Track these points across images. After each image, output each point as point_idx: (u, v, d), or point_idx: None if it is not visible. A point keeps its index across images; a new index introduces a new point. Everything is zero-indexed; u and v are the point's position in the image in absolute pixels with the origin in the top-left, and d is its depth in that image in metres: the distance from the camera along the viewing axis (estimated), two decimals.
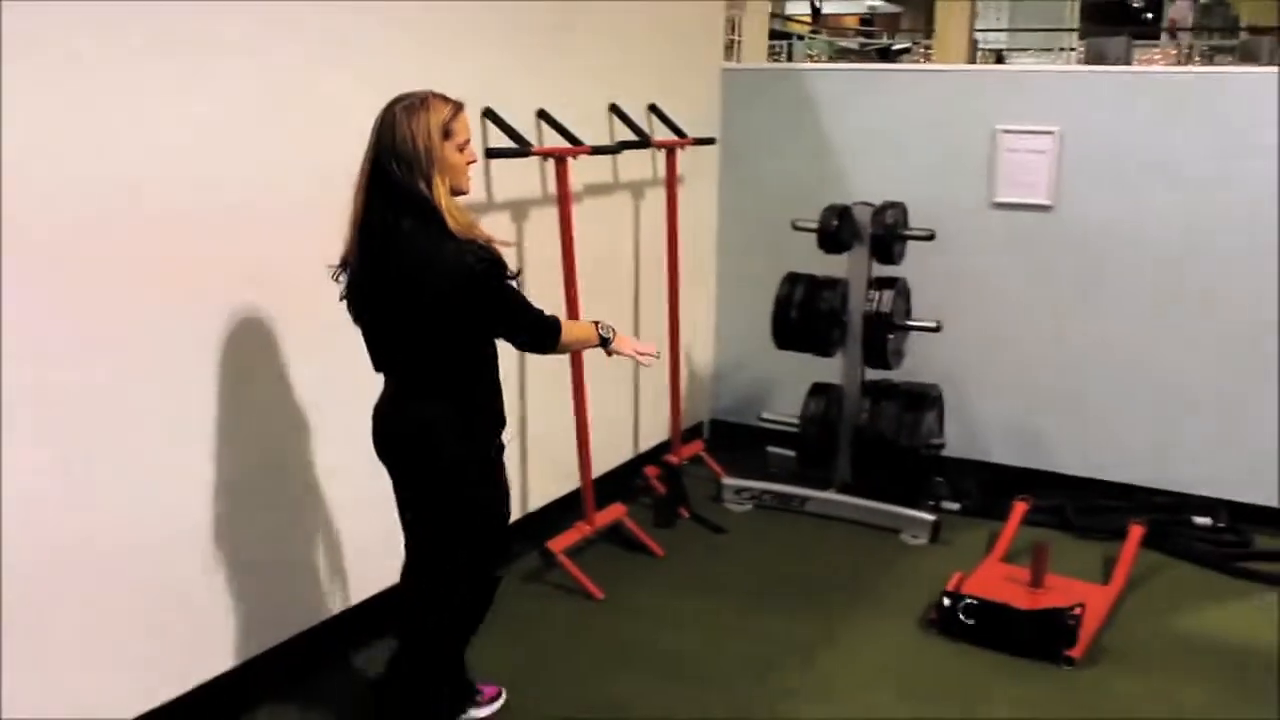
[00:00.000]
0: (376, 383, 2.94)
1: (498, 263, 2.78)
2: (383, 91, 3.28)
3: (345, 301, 2.87)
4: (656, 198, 5.05)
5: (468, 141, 2.80)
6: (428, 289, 2.72)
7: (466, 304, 2.74)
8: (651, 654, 3.77)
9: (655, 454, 5.31)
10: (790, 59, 6.62)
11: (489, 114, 3.99)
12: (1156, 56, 9.60)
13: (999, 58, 6.03)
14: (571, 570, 4.18)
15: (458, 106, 2.79)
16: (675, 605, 4.10)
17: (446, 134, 2.74)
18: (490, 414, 2.98)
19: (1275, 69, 4.61)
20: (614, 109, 4.72)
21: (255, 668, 3.36)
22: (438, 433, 2.86)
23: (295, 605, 3.54)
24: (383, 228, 2.72)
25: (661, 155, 4.98)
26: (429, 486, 2.93)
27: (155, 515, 3.01)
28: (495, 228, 4.07)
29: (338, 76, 3.41)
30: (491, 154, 3.91)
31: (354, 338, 2.90)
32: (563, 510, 4.61)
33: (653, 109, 4.98)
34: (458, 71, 3.84)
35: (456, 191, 2.78)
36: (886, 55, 5.69)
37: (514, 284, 2.85)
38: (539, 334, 2.93)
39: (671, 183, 4.93)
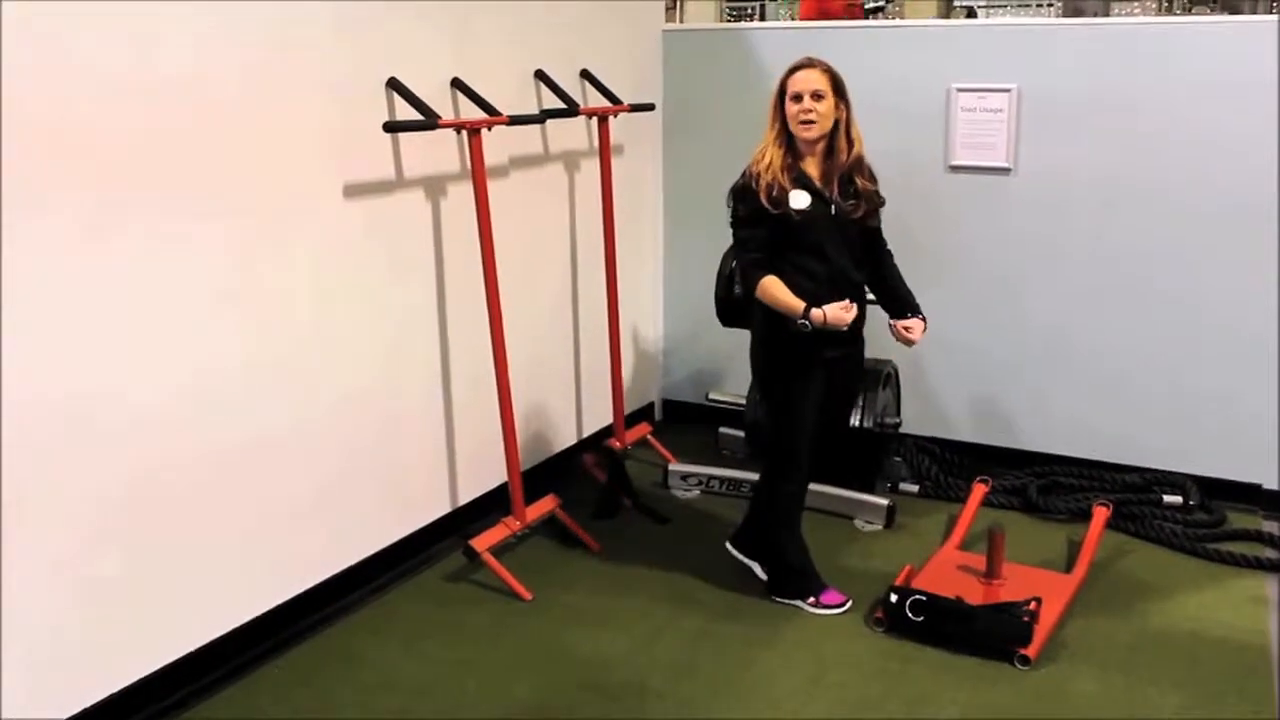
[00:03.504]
0: None
1: (742, 187, 3.52)
2: (280, 59, 3.23)
3: None
4: (592, 169, 4.77)
5: (797, 95, 3.44)
6: None
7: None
8: (574, 659, 3.52)
9: (602, 438, 5.06)
10: (764, 19, 6.36)
11: (393, 84, 3.70)
12: (1136, 9, 9.32)
13: (970, 13, 5.80)
14: (497, 570, 3.93)
15: (796, 66, 3.48)
16: (606, 604, 3.85)
17: (782, 90, 3.48)
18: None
19: (1243, 18, 4.31)
20: (540, 75, 4.42)
21: None
22: (761, 336, 3.70)
23: None
24: None
25: (595, 124, 4.70)
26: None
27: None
28: (407, 206, 3.85)
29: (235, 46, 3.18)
30: (390, 128, 3.62)
31: None
32: (495, 504, 4.36)
33: (585, 75, 4.68)
34: (363, 38, 3.61)
35: (798, 136, 3.48)
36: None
37: (760, 213, 3.47)
38: (741, 269, 3.63)
39: (605, 152, 4.65)
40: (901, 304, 3.77)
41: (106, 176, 2.86)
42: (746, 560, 3.99)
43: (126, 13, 2.86)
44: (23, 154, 2.66)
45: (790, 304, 3.47)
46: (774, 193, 3.45)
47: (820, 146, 3.52)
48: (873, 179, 3.65)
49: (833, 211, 3.52)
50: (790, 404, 3.68)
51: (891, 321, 3.75)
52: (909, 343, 3.74)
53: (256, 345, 3.35)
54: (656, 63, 5.28)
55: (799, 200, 3.47)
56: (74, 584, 2.93)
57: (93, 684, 3.03)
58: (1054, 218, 4.69)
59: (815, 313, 3.44)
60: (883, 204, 3.70)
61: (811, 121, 3.44)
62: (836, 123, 3.50)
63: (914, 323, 3.71)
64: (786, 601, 3.82)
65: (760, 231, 3.51)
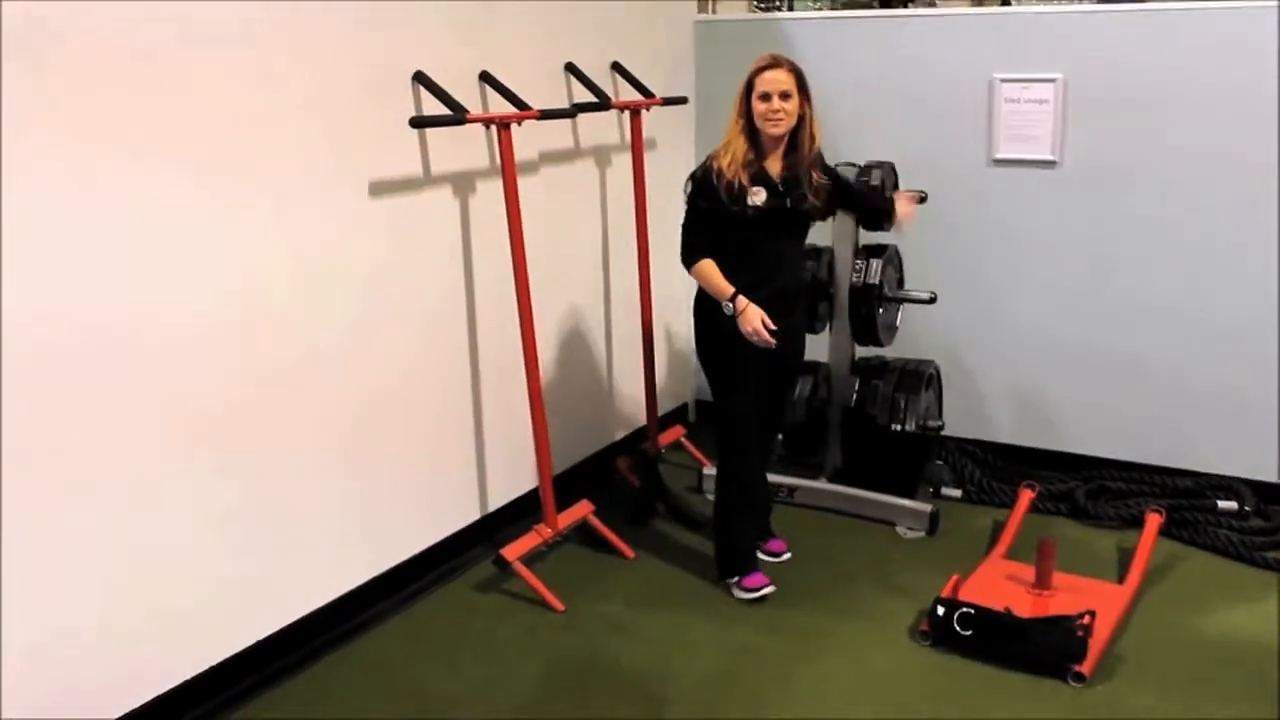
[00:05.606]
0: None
1: (702, 179, 3.61)
2: (304, 54, 3.15)
3: None
4: (624, 164, 4.64)
5: (765, 94, 3.50)
6: None
7: None
8: (613, 673, 3.40)
9: (634, 441, 4.93)
10: (791, 9, 6.22)
11: (420, 78, 3.58)
12: None
13: (1005, 0, 5.61)
14: (529, 580, 3.81)
15: (764, 65, 3.54)
16: (642, 616, 3.72)
17: (750, 86, 3.53)
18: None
19: None
20: (570, 68, 4.29)
21: None
22: (697, 309, 3.79)
23: None
24: None
25: (627, 118, 4.57)
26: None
27: None
28: (435, 204, 3.74)
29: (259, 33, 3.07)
30: (416, 123, 3.49)
31: None
32: (526, 509, 4.24)
33: (616, 67, 4.55)
34: (388, 32, 3.49)
35: (764, 132, 3.55)
36: (889, 3, 5.24)
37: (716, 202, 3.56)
38: (682, 251, 3.68)
39: (638, 146, 4.52)
40: (881, 199, 4.17)
41: (111, 167, 2.76)
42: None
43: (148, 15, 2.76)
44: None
45: (720, 287, 3.59)
46: (734, 190, 3.55)
47: (784, 142, 3.62)
48: (826, 172, 3.77)
49: (787, 205, 3.62)
50: (731, 386, 3.77)
51: (898, 216, 4.09)
52: (908, 216, 4.12)
53: (273, 349, 3.24)
54: (689, 55, 5.14)
55: (757, 197, 3.58)
56: (84, 605, 2.83)
57: (117, 698, 2.93)
58: (1102, 211, 4.52)
59: (740, 300, 3.55)
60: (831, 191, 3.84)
61: (780, 120, 3.53)
62: (800, 118, 3.59)
63: (898, 202, 4.11)
64: (727, 583, 3.88)
65: (712, 220, 3.61)
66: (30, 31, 2.53)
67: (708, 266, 3.61)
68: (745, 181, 3.55)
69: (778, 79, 3.51)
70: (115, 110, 2.73)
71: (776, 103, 3.51)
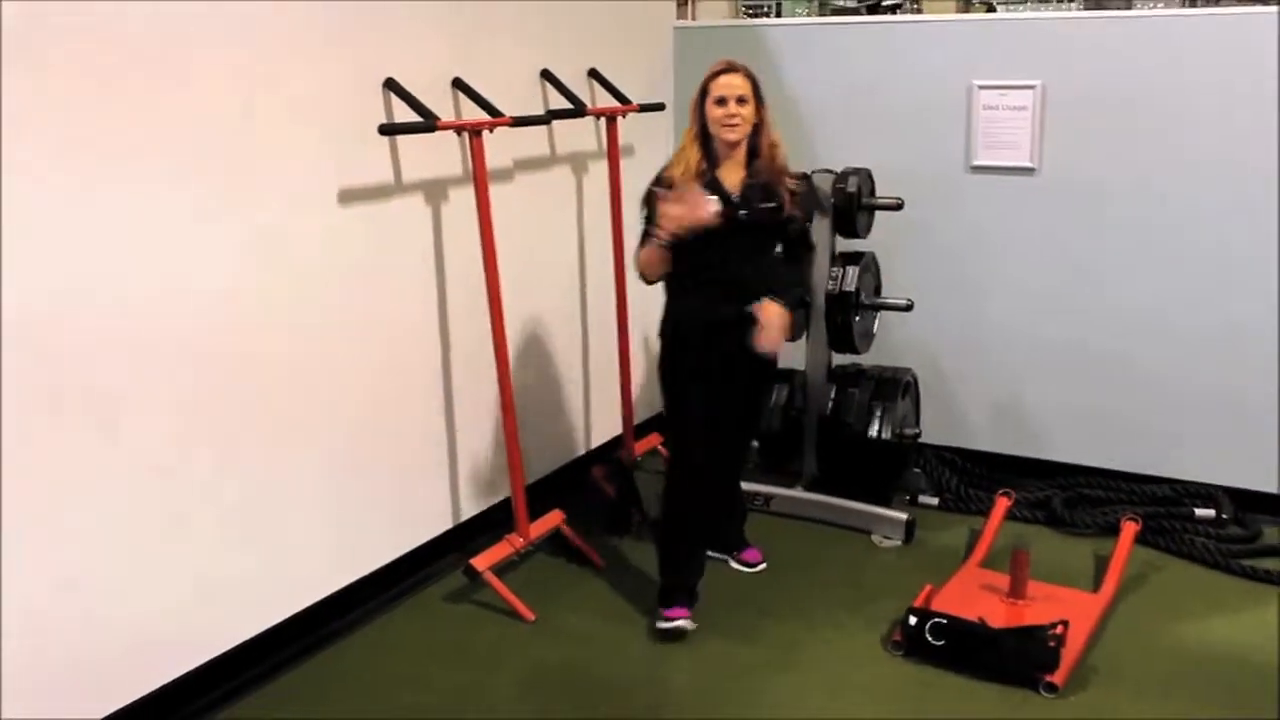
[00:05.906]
0: None
1: (652, 191, 3.51)
2: (271, 59, 3.14)
3: None
4: (600, 171, 4.62)
5: (721, 99, 3.43)
6: None
7: None
8: (585, 683, 3.38)
9: (609, 449, 4.90)
10: (779, 15, 6.24)
11: (391, 85, 3.55)
12: (1159, 3, 9.05)
13: (990, 8, 5.62)
14: (500, 590, 3.77)
15: (719, 71, 3.47)
16: (614, 626, 3.69)
17: (704, 92, 3.46)
18: (683, 318, 3.58)
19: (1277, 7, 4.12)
20: (546, 75, 4.27)
21: None
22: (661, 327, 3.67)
23: None
24: None
25: (604, 125, 4.55)
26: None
27: None
28: (406, 212, 3.72)
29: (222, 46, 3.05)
30: (385, 130, 3.47)
31: None
32: (499, 519, 4.21)
33: (593, 74, 4.53)
34: (358, 37, 3.47)
35: (720, 138, 3.46)
36: (876, 10, 5.27)
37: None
38: (636, 264, 3.60)
39: (614, 153, 4.50)
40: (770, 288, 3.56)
41: (110, 167, 2.74)
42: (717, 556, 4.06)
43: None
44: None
45: (648, 246, 3.47)
46: None
47: (740, 149, 3.51)
48: (797, 179, 3.64)
49: (741, 215, 3.48)
50: (679, 402, 3.65)
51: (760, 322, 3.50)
52: (765, 330, 3.46)
53: (244, 355, 3.21)
54: (667, 61, 5.12)
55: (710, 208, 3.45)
56: (57, 613, 2.80)
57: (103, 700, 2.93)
58: (1080, 219, 4.51)
59: (660, 232, 3.39)
60: (817, 205, 3.87)
61: (735, 125, 3.45)
62: (756, 125, 3.50)
63: (762, 304, 3.46)
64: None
65: None
66: (30, 31, 2.53)
67: (640, 251, 3.52)
68: None
69: (733, 84, 3.44)
70: (115, 110, 2.75)
71: (733, 107, 3.43)
